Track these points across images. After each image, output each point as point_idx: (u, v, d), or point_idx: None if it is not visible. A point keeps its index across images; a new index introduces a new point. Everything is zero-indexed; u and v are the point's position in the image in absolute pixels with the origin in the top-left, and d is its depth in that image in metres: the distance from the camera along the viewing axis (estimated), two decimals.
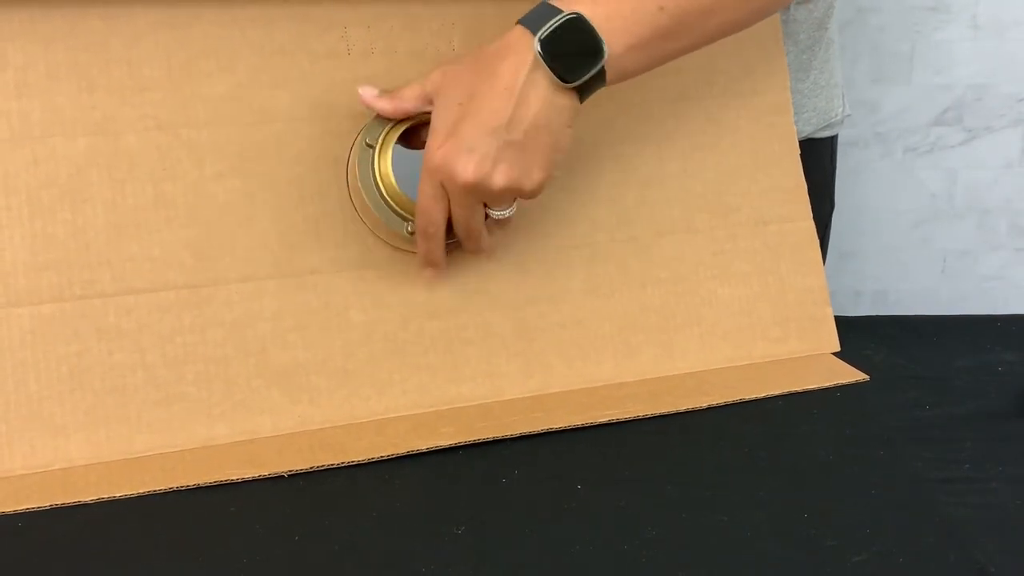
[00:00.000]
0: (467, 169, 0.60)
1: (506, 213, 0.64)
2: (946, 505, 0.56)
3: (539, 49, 0.59)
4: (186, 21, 0.63)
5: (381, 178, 0.65)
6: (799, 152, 0.78)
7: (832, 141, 0.94)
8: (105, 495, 0.57)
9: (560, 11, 0.60)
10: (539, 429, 0.64)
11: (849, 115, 0.95)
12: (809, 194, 0.78)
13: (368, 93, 0.64)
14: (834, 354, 0.76)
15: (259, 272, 0.65)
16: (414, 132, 0.67)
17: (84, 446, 0.61)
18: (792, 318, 0.76)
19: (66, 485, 0.58)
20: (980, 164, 1.45)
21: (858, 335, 0.78)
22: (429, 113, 0.63)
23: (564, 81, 0.60)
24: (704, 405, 0.68)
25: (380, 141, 0.65)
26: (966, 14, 1.36)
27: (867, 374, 0.72)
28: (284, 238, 0.65)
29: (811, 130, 0.89)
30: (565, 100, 0.61)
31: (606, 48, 0.60)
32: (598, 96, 0.63)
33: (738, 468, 0.61)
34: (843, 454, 0.62)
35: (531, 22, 0.60)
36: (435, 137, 0.61)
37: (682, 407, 0.67)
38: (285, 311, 0.65)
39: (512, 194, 0.62)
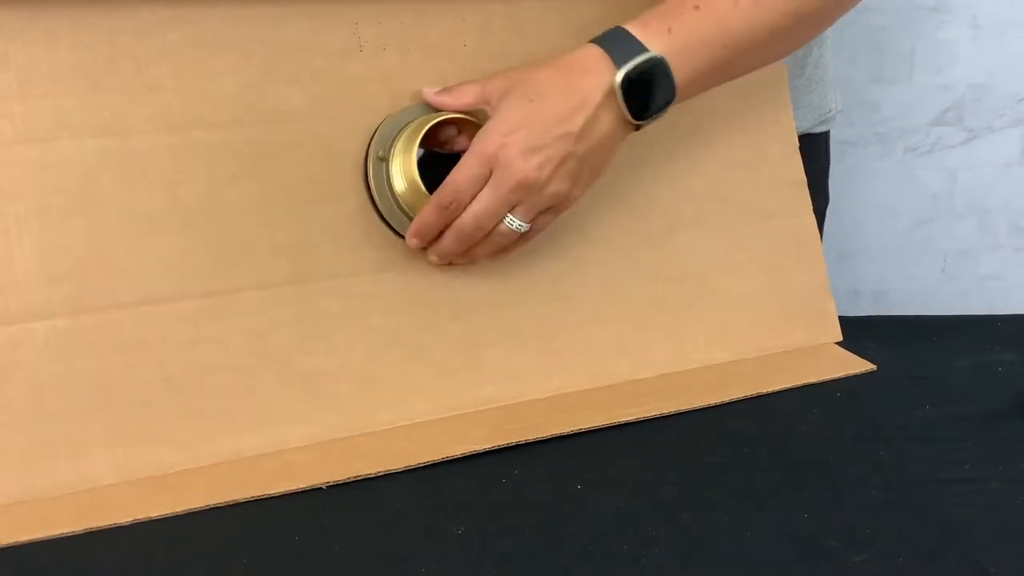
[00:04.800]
0: (529, 164, 0.60)
1: (524, 226, 0.63)
2: (946, 505, 0.56)
3: (619, 83, 0.60)
4: (192, 17, 0.61)
5: (393, 180, 0.64)
6: (799, 147, 0.78)
7: (826, 137, 0.96)
8: (141, 516, 0.55)
9: (644, 48, 0.60)
10: (567, 430, 0.64)
11: (842, 111, 0.95)
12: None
13: (428, 92, 0.64)
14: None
15: (278, 278, 0.63)
16: (431, 132, 0.66)
17: (107, 465, 0.59)
18: (797, 311, 0.77)
19: (94, 508, 0.56)
20: (980, 164, 1.44)
21: (858, 335, 0.78)
22: (454, 115, 0.64)
23: (634, 118, 0.62)
24: (725, 400, 0.68)
25: (391, 143, 0.64)
26: (966, 14, 1.36)
27: (867, 374, 0.72)
28: (302, 242, 0.64)
29: (808, 126, 0.90)
30: (624, 131, 0.63)
31: (678, 93, 0.62)
32: None
33: (738, 468, 0.61)
34: (843, 454, 0.62)
35: (614, 51, 0.61)
36: (500, 124, 0.60)
37: (703, 403, 0.67)
38: (307, 317, 0.63)
39: (554, 202, 0.62)
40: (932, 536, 0.54)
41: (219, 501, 0.56)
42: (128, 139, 0.60)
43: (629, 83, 0.60)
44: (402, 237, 0.65)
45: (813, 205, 0.79)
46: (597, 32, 0.63)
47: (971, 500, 0.57)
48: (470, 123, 0.65)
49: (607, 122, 0.62)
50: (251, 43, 0.62)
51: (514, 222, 0.62)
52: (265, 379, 0.62)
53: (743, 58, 0.66)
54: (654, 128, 0.66)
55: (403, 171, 0.64)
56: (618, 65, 0.60)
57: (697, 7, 0.62)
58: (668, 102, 0.62)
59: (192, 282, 0.61)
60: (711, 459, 0.62)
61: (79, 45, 0.59)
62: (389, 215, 0.65)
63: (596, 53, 0.61)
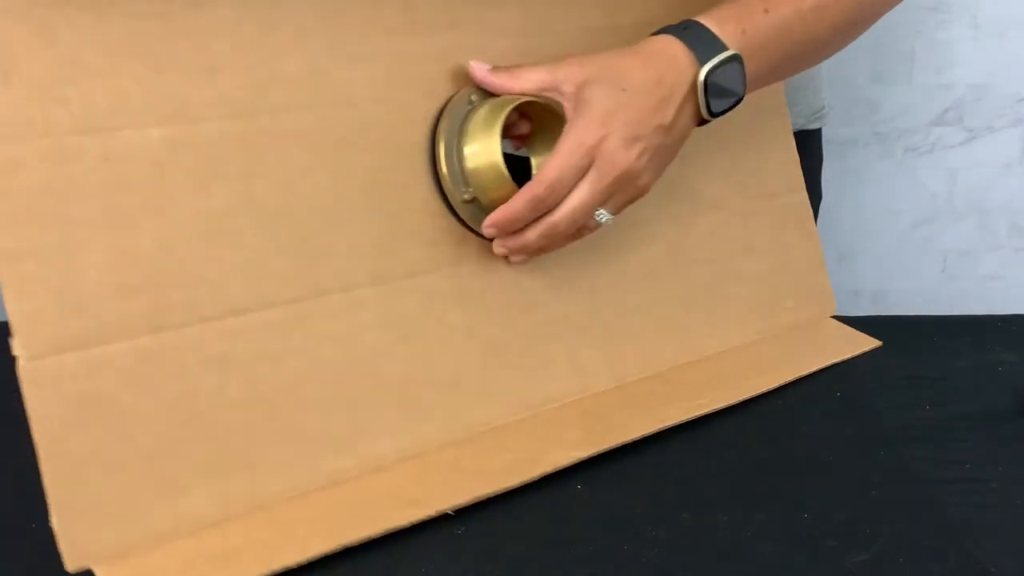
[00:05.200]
0: (630, 154, 0.59)
1: (610, 219, 0.61)
2: (946, 505, 0.56)
3: (703, 80, 0.60)
4: None
5: (467, 164, 0.60)
6: (791, 126, 0.80)
7: (819, 133, 0.97)
8: (276, 567, 0.49)
9: (724, 47, 0.60)
10: (656, 428, 0.63)
11: (834, 107, 0.96)
12: None
13: (480, 69, 0.61)
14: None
15: (359, 278, 0.58)
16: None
17: (209, 503, 0.52)
18: (801, 286, 0.79)
19: (214, 560, 0.50)
20: (980, 164, 1.44)
21: None
22: (529, 98, 0.60)
23: (709, 114, 0.62)
24: (774, 386, 0.69)
25: (463, 126, 0.61)
26: (966, 14, 1.36)
27: (867, 374, 0.72)
28: (379, 237, 0.59)
29: (803, 122, 0.92)
30: (694, 126, 0.63)
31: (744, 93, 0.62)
32: None
33: (738, 468, 0.61)
34: (843, 454, 0.62)
35: (697, 47, 0.60)
36: (595, 113, 0.58)
37: (762, 388, 0.68)
38: (389, 320, 0.59)
39: (639, 193, 0.62)
40: (932, 536, 0.54)
41: (349, 541, 0.52)
42: (196, 127, 0.53)
43: (709, 80, 0.60)
44: (468, 226, 0.62)
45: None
46: (627, 7, 0.62)
47: (971, 500, 0.57)
48: (535, 105, 0.61)
49: (687, 116, 0.61)
50: (308, 16, 0.57)
51: (604, 215, 0.61)
52: (356, 390, 0.57)
53: (791, 67, 0.67)
54: None
55: (482, 154, 0.60)
56: (702, 62, 0.60)
57: (766, 11, 0.62)
58: (738, 101, 0.63)
59: (275, 288, 0.55)
60: (711, 459, 0.62)
61: (132, 16, 0.51)
62: (459, 203, 0.61)
63: (678, 46, 0.60)
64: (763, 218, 0.77)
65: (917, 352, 0.77)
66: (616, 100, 0.59)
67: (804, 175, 0.80)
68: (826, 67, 0.94)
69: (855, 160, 1.45)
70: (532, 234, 0.60)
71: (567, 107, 0.59)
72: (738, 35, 0.61)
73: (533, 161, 0.65)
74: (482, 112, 0.60)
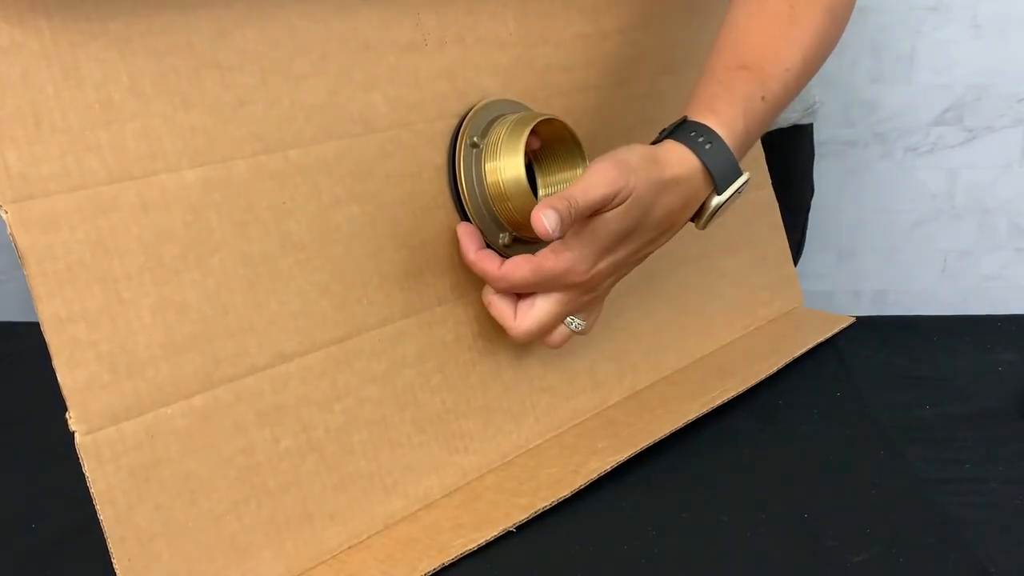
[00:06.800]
0: (607, 284, 0.58)
1: (583, 327, 0.60)
2: (946, 505, 0.56)
3: (714, 207, 0.59)
4: (270, 12, 0.54)
5: (488, 180, 0.61)
6: (787, 139, 0.80)
7: (811, 128, 0.97)
8: None
9: (739, 170, 0.59)
10: (679, 425, 0.64)
11: (823, 103, 0.97)
12: (794, 179, 0.80)
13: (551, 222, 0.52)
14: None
15: (394, 312, 0.58)
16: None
17: (275, 563, 0.51)
18: (773, 280, 0.81)
19: None
20: (980, 164, 1.45)
21: (858, 335, 0.78)
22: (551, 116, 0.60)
23: (701, 227, 0.61)
24: (771, 372, 0.71)
25: (483, 143, 0.61)
26: (966, 14, 1.36)
27: (867, 374, 0.73)
28: (409, 267, 0.59)
29: (796, 117, 0.93)
30: None
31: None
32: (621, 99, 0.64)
33: (738, 468, 0.61)
34: (843, 454, 0.62)
35: (716, 172, 0.58)
36: (596, 248, 0.56)
37: (763, 375, 0.70)
38: (425, 352, 0.59)
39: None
40: (932, 536, 0.54)
41: (425, 572, 0.52)
42: (228, 167, 0.52)
43: (721, 205, 0.59)
44: (488, 244, 0.61)
45: (800, 195, 0.81)
46: (610, 14, 0.61)
47: (971, 500, 0.57)
48: (550, 122, 0.61)
49: (680, 230, 0.61)
50: (328, 40, 0.56)
51: (576, 323, 0.59)
52: (400, 428, 0.57)
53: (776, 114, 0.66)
54: (649, 109, 0.67)
55: (505, 169, 0.60)
56: (719, 190, 0.59)
57: (763, 98, 0.61)
58: (724, 210, 0.61)
59: (319, 329, 0.54)
60: (711, 459, 0.62)
61: (157, 51, 0.50)
62: (479, 220, 0.61)
63: (698, 168, 0.57)
64: (736, 214, 0.77)
65: (917, 352, 0.77)
66: (633, 223, 0.56)
67: (798, 169, 0.80)
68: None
69: (855, 160, 1.45)
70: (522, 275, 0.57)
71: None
72: (743, 137, 0.59)
73: (537, 174, 0.65)
74: (504, 129, 0.60)
